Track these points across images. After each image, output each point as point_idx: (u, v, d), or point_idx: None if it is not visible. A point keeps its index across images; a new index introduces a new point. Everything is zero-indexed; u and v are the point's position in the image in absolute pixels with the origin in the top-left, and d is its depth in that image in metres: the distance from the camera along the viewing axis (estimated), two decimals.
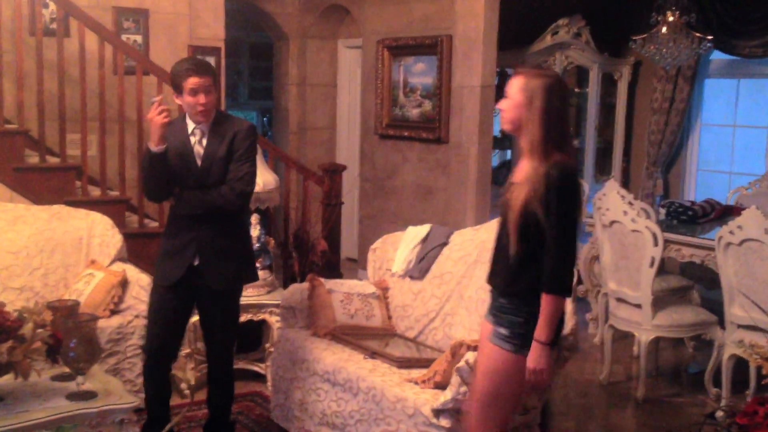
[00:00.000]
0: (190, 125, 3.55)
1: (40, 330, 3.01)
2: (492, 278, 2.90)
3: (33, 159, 5.05)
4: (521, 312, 2.76)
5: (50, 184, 4.96)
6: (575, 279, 2.84)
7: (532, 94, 2.70)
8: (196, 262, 3.57)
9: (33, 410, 2.96)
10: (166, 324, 3.67)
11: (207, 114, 3.50)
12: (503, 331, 2.79)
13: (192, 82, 3.43)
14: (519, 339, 2.75)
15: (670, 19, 6.16)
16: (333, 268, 5.51)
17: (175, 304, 3.65)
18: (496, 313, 2.84)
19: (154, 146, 3.42)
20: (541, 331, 2.69)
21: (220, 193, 3.50)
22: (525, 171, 2.73)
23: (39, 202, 4.79)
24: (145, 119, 3.47)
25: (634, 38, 6.40)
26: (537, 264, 2.71)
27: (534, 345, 2.71)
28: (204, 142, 3.55)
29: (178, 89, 3.47)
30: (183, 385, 4.50)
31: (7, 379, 3.01)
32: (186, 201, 3.54)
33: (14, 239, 4.42)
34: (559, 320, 2.76)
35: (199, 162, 3.54)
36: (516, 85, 2.75)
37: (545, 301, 2.68)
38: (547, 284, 2.68)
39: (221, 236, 3.58)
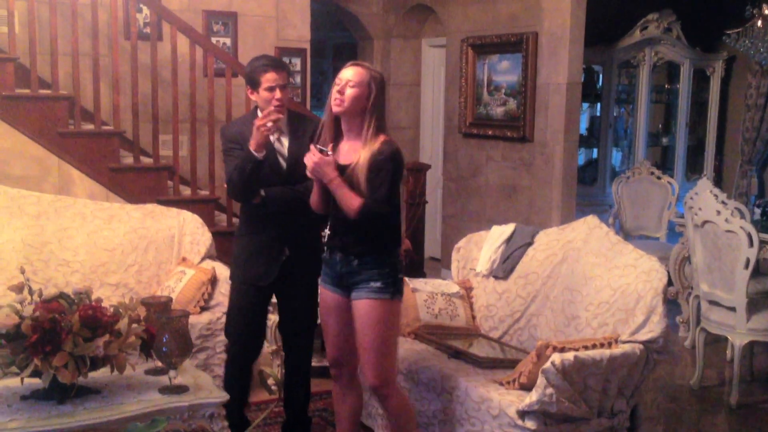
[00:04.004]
0: None
1: (134, 325, 3.08)
2: (337, 243, 3.21)
3: (128, 159, 5.22)
4: (385, 263, 3.15)
5: (143, 183, 5.12)
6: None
7: (371, 85, 3.13)
8: (284, 257, 3.61)
9: (128, 403, 3.05)
10: (250, 324, 3.72)
11: (281, 110, 3.53)
12: (377, 284, 3.13)
13: (269, 78, 3.48)
14: (392, 286, 3.16)
15: (766, 12, 5.95)
16: (417, 268, 5.51)
17: (258, 303, 3.70)
18: (355, 274, 3.16)
19: (258, 153, 3.42)
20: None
21: (309, 189, 3.55)
22: (361, 150, 3.11)
23: (133, 201, 4.94)
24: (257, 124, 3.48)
25: (727, 33, 6.21)
26: (381, 221, 3.12)
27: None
28: (283, 141, 3.60)
29: (255, 85, 3.52)
30: (270, 381, 4.56)
31: (104, 372, 3.10)
32: (277, 199, 3.56)
33: (110, 237, 4.57)
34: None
35: (282, 161, 3.59)
36: (360, 76, 3.12)
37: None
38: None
39: (305, 230, 3.63)
